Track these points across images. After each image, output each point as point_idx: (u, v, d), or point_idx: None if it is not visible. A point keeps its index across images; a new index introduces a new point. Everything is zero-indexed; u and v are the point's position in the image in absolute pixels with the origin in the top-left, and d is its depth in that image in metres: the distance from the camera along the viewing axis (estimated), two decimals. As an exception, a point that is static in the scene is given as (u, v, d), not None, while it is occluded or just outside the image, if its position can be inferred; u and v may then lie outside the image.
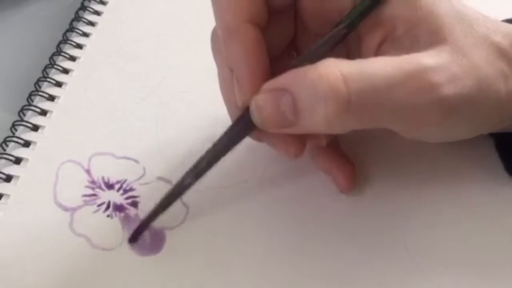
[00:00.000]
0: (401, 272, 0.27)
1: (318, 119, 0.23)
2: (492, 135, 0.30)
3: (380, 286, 0.27)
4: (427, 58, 0.23)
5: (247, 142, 0.27)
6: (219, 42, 0.27)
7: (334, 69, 0.22)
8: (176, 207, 0.29)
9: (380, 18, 0.25)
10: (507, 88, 0.25)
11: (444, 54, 0.24)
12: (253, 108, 0.24)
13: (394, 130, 0.25)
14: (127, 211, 0.29)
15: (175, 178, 0.30)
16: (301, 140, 0.26)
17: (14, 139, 0.32)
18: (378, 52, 0.26)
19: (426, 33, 0.24)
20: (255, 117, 0.24)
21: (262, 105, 0.24)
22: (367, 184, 0.30)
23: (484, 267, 0.27)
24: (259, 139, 0.28)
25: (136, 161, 0.31)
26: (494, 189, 0.30)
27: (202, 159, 0.26)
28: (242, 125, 0.26)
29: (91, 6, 0.40)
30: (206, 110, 0.33)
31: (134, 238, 0.28)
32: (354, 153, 0.30)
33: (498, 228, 0.28)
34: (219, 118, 0.33)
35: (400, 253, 0.28)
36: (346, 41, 0.26)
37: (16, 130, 0.33)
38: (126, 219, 0.29)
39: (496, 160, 0.30)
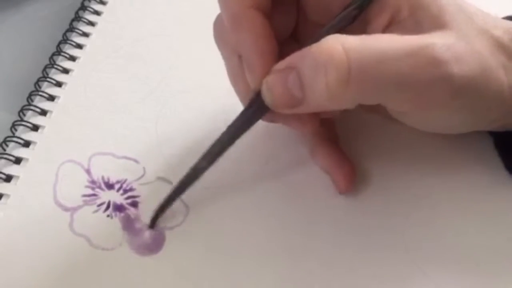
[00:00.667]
0: (400, 270, 0.27)
1: (320, 91, 0.23)
2: (492, 133, 0.30)
3: (379, 284, 0.27)
4: (433, 37, 0.24)
5: (247, 141, 0.27)
6: (223, 31, 0.27)
7: (336, 42, 0.23)
8: (176, 207, 0.29)
9: (386, 2, 0.25)
10: (509, 80, 0.25)
11: (449, 37, 0.24)
12: (264, 89, 0.25)
13: (397, 109, 0.25)
14: (127, 211, 0.29)
15: (175, 178, 0.30)
16: (314, 116, 0.27)
17: (14, 139, 0.32)
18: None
19: (429, 17, 0.25)
20: (267, 98, 0.25)
21: (272, 85, 0.25)
22: (366, 182, 0.30)
23: (483, 265, 0.27)
24: (273, 121, 0.28)
25: (136, 161, 0.31)
26: (494, 188, 0.30)
27: (216, 143, 0.27)
28: (255, 108, 0.26)
29: (91, 6, 0.40)
30: (206, 110, 0.33)
31: (152, 224, 0.28)
32: (353, 152, 0.30)
33: (498, 227, 0.28)
34: (220, 117, 0.33)
35: (399, 251, 0.28)
36: (352, 26, 0.26)
37: (16, 130, 0.33)
38: (126, 219, 0.29)
39: (496, 158, 0.30)
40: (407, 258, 0.27)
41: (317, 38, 0.24)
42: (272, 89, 0.25)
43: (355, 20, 0.26)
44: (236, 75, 0.28)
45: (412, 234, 0.28)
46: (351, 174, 0.29)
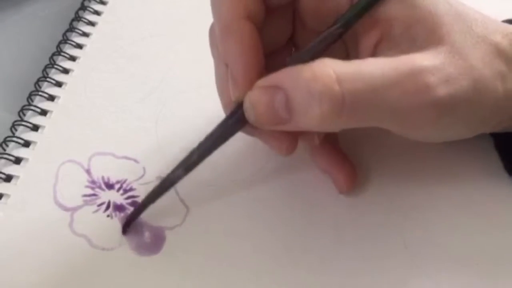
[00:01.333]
0: (399, 269, 0.27)
1: (312, 119, 0.23)
2: (492, 134, 0.30)
3: (378, 283, 0.27)
4: (423, 59, 0.24)
5: (247, 141, 0.27)
6: (216, 40, 0.27)
7: (328, 69, 0.22)
8: (176, 207, 0.29)
9: (377, 17, 0.25)
10: (505, 88, 0.25)
11: (440, 55, 0.24)
12: (246, 104, 0.25)
13: (390, 129, 0.25)
14: (127, 211, 0.29)
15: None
16: (293, 137, 0.26)
17: (14, 139, 0.32)
18: (375, 51, 0.26)
19: (423, 33, 0.24)
20: (249, 113, 0.25)
21: (256, 101, 0.24)
22: (366, 182, 0.30)
23: (482, 265, 0.27)
24: (251, 134, 0.28)
25: (136, 161, 0.31)
26: (493, 188, 0.30)
27: (193, 152, 0.27)
28: (235, 120, 0.26)
29: (91, 6, 0.40)
30: (206, 110, 0.33)
31: (124, 230, 0.28)
32: (353, 152, 0.30)
33: (497, 227, 0.28)
34: (220, 117, 0.33)
35: (399, 250, 0.28)
36: (345, 40, 0.26)
37: (16, 130, 0.33)
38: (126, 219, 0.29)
39: (495, 159, 0.30)
40: (407, 258, 0.28)
41: (303, 56, 0.24)
42: (256, 106, 0.24)
43: (341, 37, 0.25)
44: (222, 84, 0.28)
45: (411, 233, 0.28)
46: (352, 173, 0.29)
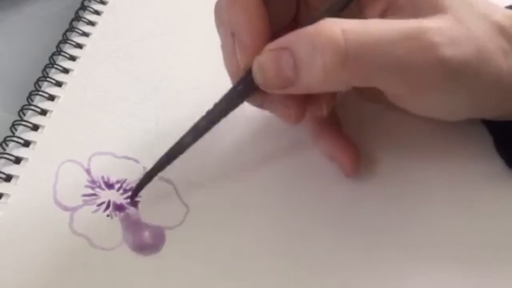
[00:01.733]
0: (398, 261, 0.27)
1: (316, 72, 0.23)
2: (491, 132, 0.30)
3: (376, 273, 0.27)
4: (428, 22, 0.24)
5: (247, 141, 0.27)
6: (222, 12, 0.27)
7: (333, 24, 0.23)
8: (176, 207, 0.29)
9: None
10: (508, 65, 0.25)
11: (444, 21, 0.24)
12: (255, 68, 0.25)
13: (392, 93, 0.26)
14: (127, 210, 0.29)
15: (176, 177, 0.30)
16: (301, 105, 0.27)
17: (14, 138, 0.32)
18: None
19: (428, 2, 0.25)
20: (257, 76, 0.25)
21: (264, 64, 0.25)
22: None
23: (483, 262, 0.27)
24: (260, 105, 0.28)
25: (136, 160, 0.31)
26: (495, 185, 0.30)
27: (202, 119, 0.27)
28: (244, 87, 0.26)
29: (91, 6, 0.40)
30: (206, 110, 0.33)
31: (133, 196, 0.29)
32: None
33: (499, 224, 0.28)
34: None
35: (398, 242, 0.28)
36: (348, 13, 0.26)
37: (16, 129, 0.33)
38: (126, 219, 0.29)
39: (496, 156, 0.30)
40: (405, 251, 0.28)
41: (311, 21, 0.24)
42: (264, 68, 0.25)
43: (350, 3, 0.26)
44: (229, 54, 0.28)
45: (411, 227, 0.28)
46: (357, 156, 0.29)
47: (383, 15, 0.26)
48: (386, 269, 0.27)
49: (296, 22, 0.30)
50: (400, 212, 0.29)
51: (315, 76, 0.23)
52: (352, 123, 0.31)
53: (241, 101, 0.27)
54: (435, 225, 0.28)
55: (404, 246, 0.28)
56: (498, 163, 0.30)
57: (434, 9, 0.25)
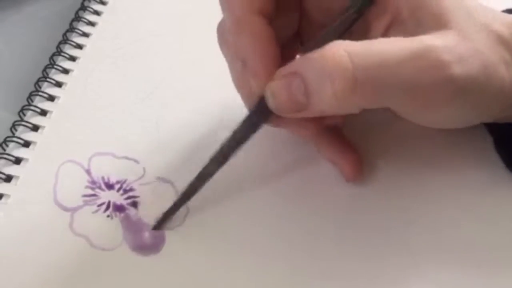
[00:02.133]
0: (400, 267, 0.27)
1: (327, 98, 0.23)
2: (491, 133, 0.30)
3: (378, 279, 0.27)
4: (434, 39, 0.24)
5: (248, 143, 0.27)
6: (227, 35, 0.28)
7: (339, 48, 0.23)
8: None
9: (386, 3, 0.26)
10: (510, 75, 0.25)
11: (449, 37, 0.24)
12: (268, 94, 0.25)
13: (401, 111, 0.26)
14: (127, 211, 0.29)
15: (175, 178, 0.30)
16: (317, 124, 0.28)
17: (14, 139, 0.32)
18: (384, 37, 0.26)
19: (430, 17, 0.25)
20: (271, 103, 0.25)
21: (276, 90, 0.25)
22: (370, 176, 0.30)
23: (484, 263, 0.27)
24: (277, 125, 0.29)
25: (136, 161, 0.31)
26: (496, 187, 0.30)
27: (222, 147, 0.27)
28: (260, 113, 0.26)
29: (91, 6, 0.40)
30: (206, 110, 0.33)
31: (158, 227, 0.28)
32: (358, 145, 0.30)
33: (500, 226, 0.28)
34: (220, 117, 0.33)
35: (400, 248, 0.28)
36: (354, 30, 0.26)
37: (16, 130, 0.33)
38: (126, 219, 0.29)
39: (497, 157, 0.30)
40: (407, 253, 0.27)
41: (318, 43, 0.24)
42: (276, 94, 0.25)
43: (354, 23, 0.26)
44: (240, 80, 0.28)
45: (414, 230, 0.28)
46: (358, 161, 0.30)
47: (388, 30, 0.26)
48: (388, 275, 0.27)
49: (298, 36, 0.30)
50: (402, 217, 0.29)
51: (326, 101, 0.24)
52: (354, 127, 0.31)
53: (259, 126, 0.27)
54: (438, 230, 0.28)
55: (407, 252, 0.28)
56: (500, 166, 0.30)
57: (437, 23, 0.25)
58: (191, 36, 0.38)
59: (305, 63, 0.24)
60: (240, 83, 0.28)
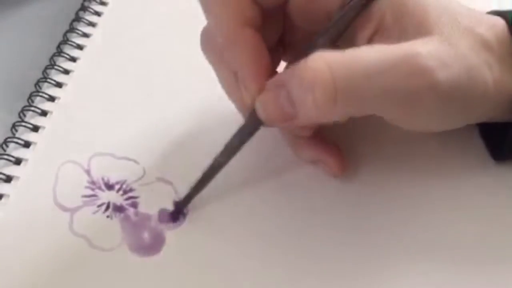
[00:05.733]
0: (396, 266, 0.27)
1: (309, 108, 0.24)
2: (477, 124, 0.30)
3: (372, 278, 0.27)
4: (416, 46, 0.24)
5: (248, 144, 0.27)
6: (212, 43, 0.28)
7: (320, 59, 0.23)
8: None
9: (371, 11, 0.26)
10: (493, 77, 0.25)
11: (432, 43, 0.24)
12: (258, 106, 0.26)
13: (388, 117, 0.26)
14: (127, 211, 0.29)
15: (175, 178, 0.30)
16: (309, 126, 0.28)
17: (14, 139, 0.32)
18: (369, 44, 0.26)
19: (413, 24, 0.25)
20: (260, 114, 0.26)
21: (264, 102, 0.26)
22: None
23: (477, 262, 0.27)
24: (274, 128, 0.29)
25: (136, 161, 0.31)
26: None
27: (217, 158, 0.28)
28: (253, 123, 0.27)
29: (92, 6, 0.40)
30: (206, 110, 0.33)
31: (174, 220, 0.29)
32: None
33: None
34: (220, 118, 0.33)
35: (396, 247, 0.28)
36: (340, 40, 0.26)
37: (16, 130, 0.33)
38: (126, 220, 0.29)
39: (483, 149, 0.30)
40: (396, 247, 0.28)
41: (305, 53, 0.24)
42: (265, 106, 0.26)
43: (343, 33, 0.26)
44: (232, 90, 0.29)
45: (402, 225, 0.28)
46: (341, 156, 0.30)
47: (372, 38, 0.26)
48: (380, 273, 0.27)
49: (281, 41, 0.30)
50: (399, 216, 0.29)
51: (310, 112, 0.24)
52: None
53: (252, 134, 0.27)
54: (429, 227, 0.28)
55: (403, 251, 0.28)
56: (491, 162, 0.30)
57: (421, 30, 0.25)
58: (191, 36, 0.38)
59: (290, 74, 0.25)
60: (232, 93, 0.29)
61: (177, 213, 0.29)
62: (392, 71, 0.23)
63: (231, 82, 0.28)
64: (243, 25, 0.26)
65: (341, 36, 0.26)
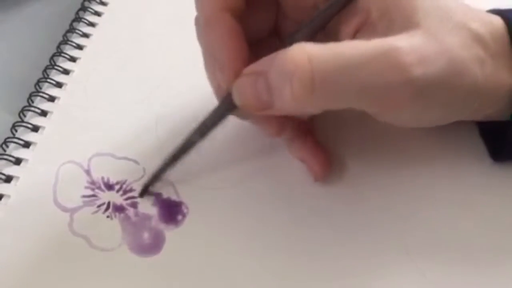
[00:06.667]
0: (394, 265, 0.27)
1: (286, 98, 0.24)
2: (477, 123, 0.30)
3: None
4: (396, 40, 0.24)
5: (245, 142, 0.27)
6: (199, 29, 0.28)
7: (301, 50, 0.23)
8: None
9: (357, 6, 0.26)
10: (484, 72, 0.25)
11: (414, 38, 0.24)
12: (234, 91, 0.26)
13: (368, 111, 0.26)
14: (127, 211, 0.29)
15: (175, 178, 0.30)
16: (281, 122, 0.28)
17: (15, 140, 0.32)
18: (353, 39, 0.26)
19: (400, 18, 0.25)
20: (237, 99, 0.26)
21: (241, 88, 0.26)
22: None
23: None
24: (244, 118, 0.29)
25: (136, 161, 0.31)
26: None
27: (187, 138, 0.28)
28: (227, 105, 0.27)
29: (92, 6, 0.40)
30: (206, 110, 0.33)
31: (142, 194, 0.30)
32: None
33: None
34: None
35: (395, 245, 0.28)
36: (326, 33, 0.26)
37: (16, 131, 0.33)
38: (125, 220, 0.29)
39: (482, 148, 0.30)
40: (391, 246, 0.28)
41: (288, 43, 0.24)
42: (241, 91, 0.26)
43: (326, 24, 0.26)
44: (210, 72, 0.29)
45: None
46: (326, 161, 0.30)
47: (358, 31, 0.26)
48: (378, 271, 0.27)
49: (276, 31, 0.30)
50: (395, 214, 0.29)
51: (286, 101, 0.24)
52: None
53: (225, 118, 0.27)
54: (429, 226, 0.28)
55: (401, 250, 0.28)
56: (489, 160, 0.30)
57: (407, 24, 0.25)
58: (191, 36, 0.38)
59: (270, 62, 0.24)
60: (211, 76, 0.29)
61: (144, 191, 0.30)
62: (369, 65, 0.23)
63: (209, 64, 0.28)
64: (222, 9, 0.27)
65: (323, 28, 0.26)
